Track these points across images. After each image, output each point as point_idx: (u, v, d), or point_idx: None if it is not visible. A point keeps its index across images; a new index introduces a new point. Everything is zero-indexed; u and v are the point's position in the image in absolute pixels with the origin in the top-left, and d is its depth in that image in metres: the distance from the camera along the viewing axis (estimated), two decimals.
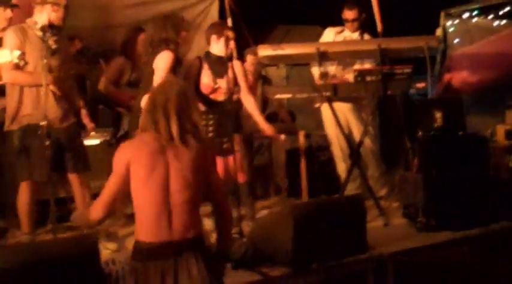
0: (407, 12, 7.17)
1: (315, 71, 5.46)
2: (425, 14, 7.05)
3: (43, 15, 4.20)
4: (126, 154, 2.78)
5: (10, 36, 4.17)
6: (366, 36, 5.60)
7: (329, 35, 5.69)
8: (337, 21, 5.77)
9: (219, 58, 4.63)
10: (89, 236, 3.19)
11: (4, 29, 4.74)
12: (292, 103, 7.24)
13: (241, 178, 4.76)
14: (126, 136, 4.91)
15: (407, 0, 7.29)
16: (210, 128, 3.93)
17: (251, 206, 4.95)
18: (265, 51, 5.12)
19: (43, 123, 3.97)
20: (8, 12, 4.72)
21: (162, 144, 2.77)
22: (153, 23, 4.53)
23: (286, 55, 5.10)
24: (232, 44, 4.83)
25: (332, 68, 5.54)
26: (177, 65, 4.30)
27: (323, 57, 5.00)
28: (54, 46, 4.18)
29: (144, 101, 4.27)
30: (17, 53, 4.01)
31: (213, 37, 4.62)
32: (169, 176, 2.75)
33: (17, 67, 4.09)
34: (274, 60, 5.39)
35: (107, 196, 2.79)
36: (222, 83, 4.54)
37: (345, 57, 5.38)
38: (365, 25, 5.67)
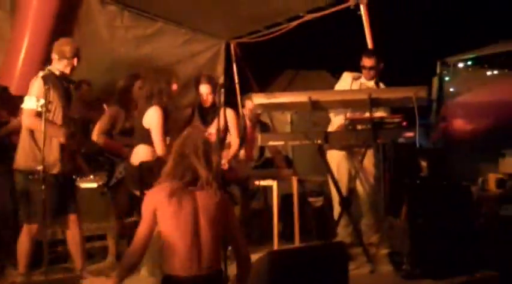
0: (405, 61, 7.32)
1: (338, 119, 5.57)
2: (423, 63, 7.20)
3: (67, 67, 4.45)
4: (152, 202, 3.09)
5: (39, 84, 4.32)
6: (382, 86, 5.63)
7: (346, 80, 5.72)
8: (343, 66, 5.90)
9: (205, 108, 5.05)
10: (72, 279, 3.41)
11: None
12: (294, 148, 7.38)
13: None
14: (119, 184, 5.12)
15: (405, 50, 7.46)
16: None
17: None
18: (258, 99, 5.25)
19: (39, 167, 4.15)
20: None
21: (187, 187, 3.08)
22: (145, 77, 4.82)
23: (279, 103, 5.22)
24: (206, 95, 5.07)
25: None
26: (167, 117, 4.55)
27: (315, 106, 5.12)
28: (71, 96, 4.51)
29: (141, 153, 4.56)
30: (42, 101, 4.26)
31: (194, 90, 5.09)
32: (198, 215, 3.06)
33: (38, 114, 4.28)
34: (268, 108, 5.51)
35: (140, 241, 3.08)
36: (212, 129, 4.85)
37: (337, 107, 5.49)
38: (382, 74, 5.68)
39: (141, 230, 3.09)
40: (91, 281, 4.20)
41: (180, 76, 5.07)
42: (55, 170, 4.35)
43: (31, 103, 4.30)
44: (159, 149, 4.45)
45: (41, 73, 4.38)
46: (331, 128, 5.60)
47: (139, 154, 4.54)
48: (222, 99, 4.90)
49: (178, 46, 7.67)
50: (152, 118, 4.48)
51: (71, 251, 4.62)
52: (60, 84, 4.37)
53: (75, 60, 4.47)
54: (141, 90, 5.12)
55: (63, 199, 4.44)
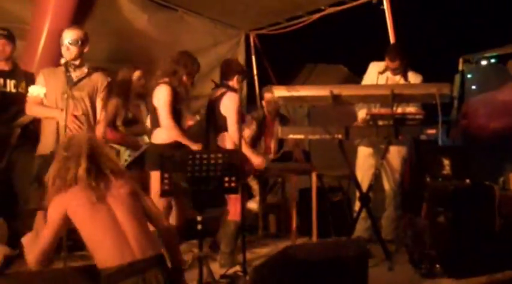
0: (427, 58, 7.26)
1: (361, 113, 5.55)
2: (445, 59, 7.14)
3: (70, 53, 4.59)
4: (61, 205, 3.04)
5: (39, 76, 4.67)
6: (410, 75, 5.53)
7: (373, 72, 5.66)
8: (364, 61, 5.87)
9: None
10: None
11: None
12: (311, 142, 7.36)
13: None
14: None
15: (427, 46, 7.40)
16: (219, 167, 4.03)
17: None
18: (279, 91, 5.21)
19: None
20: None
21: (92, 184, 3.06)
22: (170, 57, 4.82)
23: (300, 96, 5.17)
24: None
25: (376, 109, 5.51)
26: (176, 98, 4.64)
27: (337, 100, 5.08)
28: (75, 78, 4.53)
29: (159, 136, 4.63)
30: (42, 89, 4.53)
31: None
32: (112, 207, 3.05)
33: (38, 101, 4.55)
34: (289, 101, 5.44)
35: (44, 244, 3.02)
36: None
37: (359, 101, 5.46)
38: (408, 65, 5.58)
39: (47, 234, 3.02)
40: None
41: (201, 64, 5.04)
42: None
43: (31, 91, 4.58)
44: (166, 125, 4.59)
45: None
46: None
47: (158, 137, 4.70)
48: (244, 90, 4.88)
49: (199, 35, 7.62)
50: (160, 96, 4.61)
51: None
52: (60, 70, 4.51)
53: (76, 46, 4.57)
54: (140, 80, 5.41)
55: None
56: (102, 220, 3.00)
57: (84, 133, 3.39)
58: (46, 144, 4.47)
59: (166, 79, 4.68)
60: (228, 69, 5.15)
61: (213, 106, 5.06)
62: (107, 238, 2.98)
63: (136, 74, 5.42)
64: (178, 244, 3.40)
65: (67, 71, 4.42)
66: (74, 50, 4.58)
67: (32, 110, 4.65)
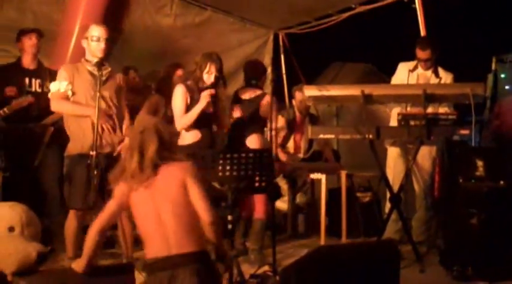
0: (459, 57, 7.14)
1: (395, 112, 5.48)
2: (478, 59, 7.04)
3: (88, 49, 4.44)
4: (124, 186, 3.15)
5: (61, 72, 4.42)
6: (441, 72, 5.44)
7: (402, 71, 5.56)
8: (394, 60, 5.78)
9: None
10: (127, 266, 3.47)
11: None
12: (340, 141, 7.32)
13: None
14: None
15: (460, 45, 7.30)
16: (249, 167, 4.01)
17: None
18: (310, 91, 5.19)
19: (92, 153, 4.15)
20: None
21: (143, 176, 3.11)
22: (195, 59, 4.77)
23: (331, 96, 5.15)
24: None
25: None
26: (193, 95, 4.56)
27: (368, 100, 5.03)
28: (103, 78, 4.33)
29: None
30: (65, 83, 4.34)
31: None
32: (157, 202, 3.09)
33: (65, 97, 4.37)
34: (319, 101, 5.42)
35: (105, 214, 3.15)
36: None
37: (390, 101, 5.40)
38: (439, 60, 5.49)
39: (109, 206, 3.16)
40: None
41: (227, 65, 5.01)
42: (90, 151, 4.25)
43: (55, 86, 4.38)
44: (176, 125, 4.55)
45: None
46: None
47: (185, 138, 4.64)
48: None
49: (226, 35, 7.62)
50: (174, 99, 4.59)
51: (119, 237, 4.63)
52: (83, 68, 4.40)
53: (91, 42, 4.39)
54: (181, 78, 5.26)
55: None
56: (148, 214, 3.09)
57: (147, 123, 3.34)
58: (74, 144, 4.41)
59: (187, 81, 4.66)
60: (256, 70, 5.14)
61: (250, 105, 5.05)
62: (150, 231, 3.09)
63: (178, 73, 5.39)
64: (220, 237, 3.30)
65: (99, 69, 4.34)
66: (109, 46, 4.48)
67: (60, 106, 4.44)
